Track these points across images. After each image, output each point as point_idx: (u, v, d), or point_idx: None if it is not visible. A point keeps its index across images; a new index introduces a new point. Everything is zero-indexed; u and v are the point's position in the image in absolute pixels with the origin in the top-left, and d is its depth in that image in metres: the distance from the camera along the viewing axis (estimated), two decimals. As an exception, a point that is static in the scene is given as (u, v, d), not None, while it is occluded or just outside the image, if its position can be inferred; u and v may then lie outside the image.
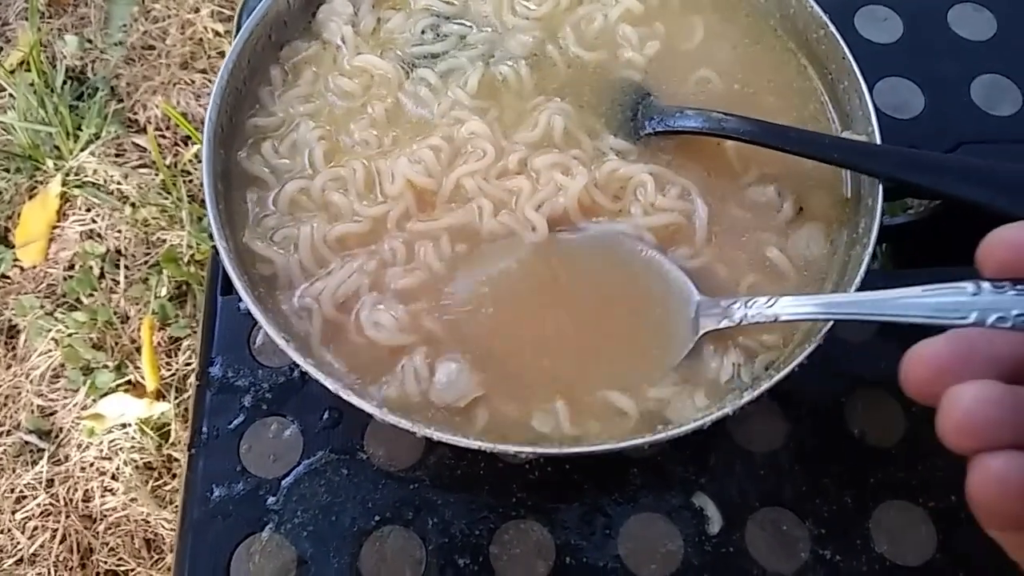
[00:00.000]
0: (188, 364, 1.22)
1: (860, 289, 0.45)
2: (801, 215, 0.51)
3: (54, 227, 1.34)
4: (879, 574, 0.46)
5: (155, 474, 1.17)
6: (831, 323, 0.43)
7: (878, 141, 0.49)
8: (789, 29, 0.57)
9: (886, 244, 0.82)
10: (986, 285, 0.31)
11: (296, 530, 0.48)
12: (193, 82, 1.46)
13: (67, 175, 1.36)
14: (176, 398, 1.20)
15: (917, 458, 0.49)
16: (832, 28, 0.53)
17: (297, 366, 0.44)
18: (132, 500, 1.16)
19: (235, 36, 0.54)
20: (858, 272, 0.45)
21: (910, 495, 0.48)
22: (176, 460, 1.17)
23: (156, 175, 1.35)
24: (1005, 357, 0.30)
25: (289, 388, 0.52)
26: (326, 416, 0.51)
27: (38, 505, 1.15)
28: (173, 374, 1.22)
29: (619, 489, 0.48)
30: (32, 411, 1.21)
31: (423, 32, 0.57)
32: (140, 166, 1.38)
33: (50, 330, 1.24)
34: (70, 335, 1.24)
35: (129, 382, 1.22)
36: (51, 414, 1.22)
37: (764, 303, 0.43)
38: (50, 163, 1.37)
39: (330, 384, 0.43)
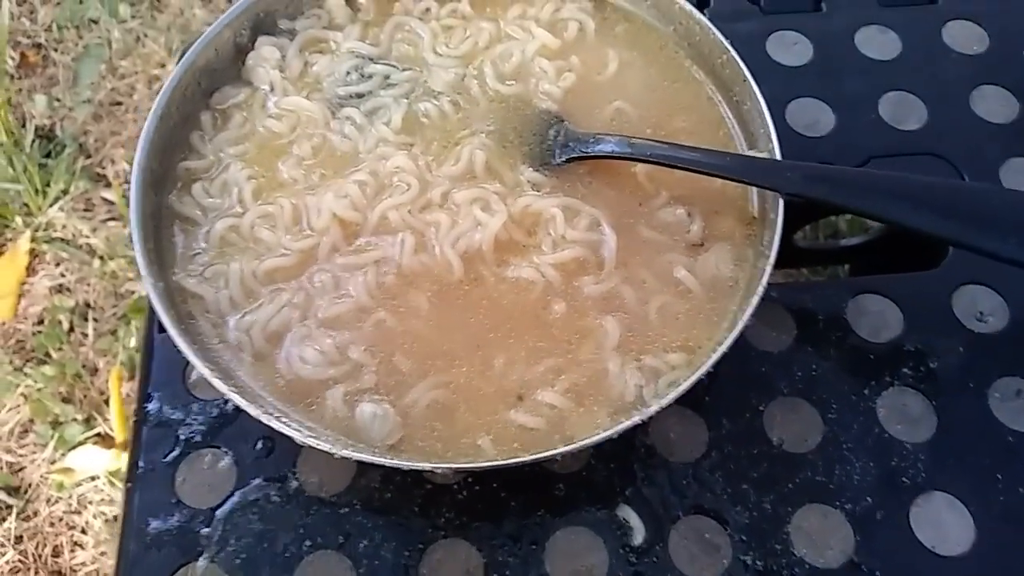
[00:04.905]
0: (156, 413, 1.22)
1: (764, 300, 0.47)
2: (709, 235, 0.53)
3: (23, 283, 1.35)
4: (800, 578, 0.47)
5: (123, 525, 1.16)
6: (738, 330, 0.45)
7: (778, 157, 0.52)
8: (696, 56, 0.59)
9: (848, 264, 0.85)
10: None
11: (230, 558, 0.48)
12: (161, 135, 1.49)
13: (36, 231, 1.38)
14: (145, 447, 1.19)
15: (833, 463, 0.50)
16: (733, 53, 0.56)
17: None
18: (102, 554, 1.15)
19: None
20: (760, 283, 0.47)
21: (828, 499, 0.49)
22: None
23: (124, 227, 1.37)
24: None
25: (223, 420, 0.53)
26: (259, 446, 0.52)
27: (7, 562, 1.14)
28: (142, 423, 1.22)
29: (545, 504, 0.49)
30: (1, 468, 1.20)
31: (348, 73, 0.59)
32: (109, 219, 1.40)
33: (19, 385, 1.24)
34: (39, 390, 1.24)
35: (99, 434, 1.22)
36: (20, 470, 1.21)
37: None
38: (19, 220, 1.39)
39: (252, 410, 0.44)
